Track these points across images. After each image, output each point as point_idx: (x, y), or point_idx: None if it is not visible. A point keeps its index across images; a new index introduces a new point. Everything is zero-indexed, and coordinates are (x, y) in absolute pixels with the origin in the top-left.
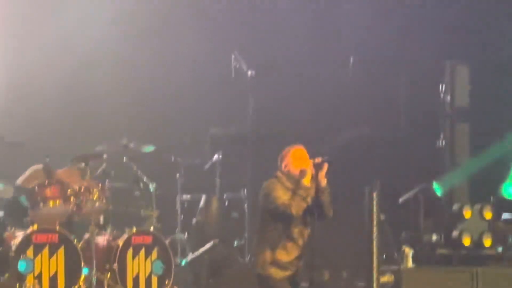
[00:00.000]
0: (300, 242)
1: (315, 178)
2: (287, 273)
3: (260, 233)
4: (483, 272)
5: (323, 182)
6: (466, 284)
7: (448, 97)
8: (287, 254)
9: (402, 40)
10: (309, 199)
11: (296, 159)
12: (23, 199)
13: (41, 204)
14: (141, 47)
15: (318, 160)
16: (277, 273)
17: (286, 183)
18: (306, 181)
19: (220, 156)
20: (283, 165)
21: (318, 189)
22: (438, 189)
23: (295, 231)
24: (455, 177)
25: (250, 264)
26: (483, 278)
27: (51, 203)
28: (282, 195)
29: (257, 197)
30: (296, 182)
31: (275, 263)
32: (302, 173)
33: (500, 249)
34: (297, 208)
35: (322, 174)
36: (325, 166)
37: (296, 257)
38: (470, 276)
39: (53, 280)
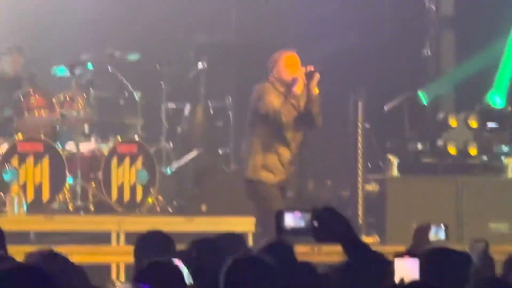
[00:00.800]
0: (293, 146)
1: (306, 87)
2: (278, 178)
3: (250, 136)
4: (467, 181)
5: (314, 91)
6: (450, 193)
7: (433, 6)
8: (278, 158)
9: None
10: (299, 108)
11: (288, 66)
12: None
13: (26, 114)
14: None
15: (310, 68)
16: (268, 178)
17: (279, 87)
18: (298, 90)
19: (205, 64)
20: (274, 71)
21: (309, 98)
22: (423, 97)
23: (288, 135)
24: (440, 85)
25: (240, 169)
26: (467, 187)
27: (36, 112)
28: (274, 100)
29: (242, 106)
30: (288, 87)
31: (266, 167)
32: (294, 81)
33: (485, 158)
34: (287, 115)
35: (314, 83)
36: (317, 75)
37: (287, 162)
38: (455, 185)
39: (38, 189)
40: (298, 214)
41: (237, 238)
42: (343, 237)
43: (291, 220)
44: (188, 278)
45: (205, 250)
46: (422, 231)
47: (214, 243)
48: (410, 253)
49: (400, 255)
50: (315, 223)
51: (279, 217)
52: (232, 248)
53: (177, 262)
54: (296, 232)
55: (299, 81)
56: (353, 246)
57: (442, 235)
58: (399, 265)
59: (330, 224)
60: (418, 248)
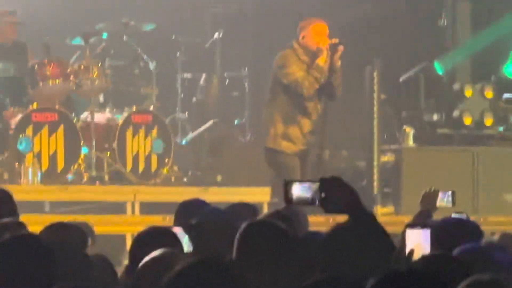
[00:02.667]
0: (313, 116)
1: (330, 59)
2: (298, 148)
3: (271, 106)
4: (483, 152)
5: (337, 63)
6: (466, 164)
7: None
8: (299, 128)
9: None
10: (321, 79)
11: (316, 34)
12: None
13: (41, 83)
14: None
15: (335, 40)
16: (288, 147)
17: (302, 56)
18: (321, 61)
19: (221, 35)
20: (301, 36)
21: (331, 70)
22: (439, 68)
23: (309, 105)
24: (456, 56)
25: (256, 139)
26: (483, 157)
27: (50, 82)
28: (296, 71)
29: (257, 76)
30: (312, 57)
31: (287, 137)
32: (318, 51)
33: (501, 128)
34: (309, 88)
35: (337, 55)
36: (341, 47)
37: (308, 132)
38: (471, 155)
39: (53, 159)
40: (305, 184)
41: (249, 208)
42: (350, 208)
43: (298, 190)
44: (187, 246)
45: (216, 219)
46: (430, 197)
47: (224, 213)
48: (421, 224)
49: (411, 225)
50: (323, 194)
51: (287, 186)
52: (243, 217)
53: (176, 229)
54: (302, 202)
55: (324, 52)
56: (359, 217)
57: (449, 202)
58: (410, 235)
59: (337, 194)
60: (425, 214)
